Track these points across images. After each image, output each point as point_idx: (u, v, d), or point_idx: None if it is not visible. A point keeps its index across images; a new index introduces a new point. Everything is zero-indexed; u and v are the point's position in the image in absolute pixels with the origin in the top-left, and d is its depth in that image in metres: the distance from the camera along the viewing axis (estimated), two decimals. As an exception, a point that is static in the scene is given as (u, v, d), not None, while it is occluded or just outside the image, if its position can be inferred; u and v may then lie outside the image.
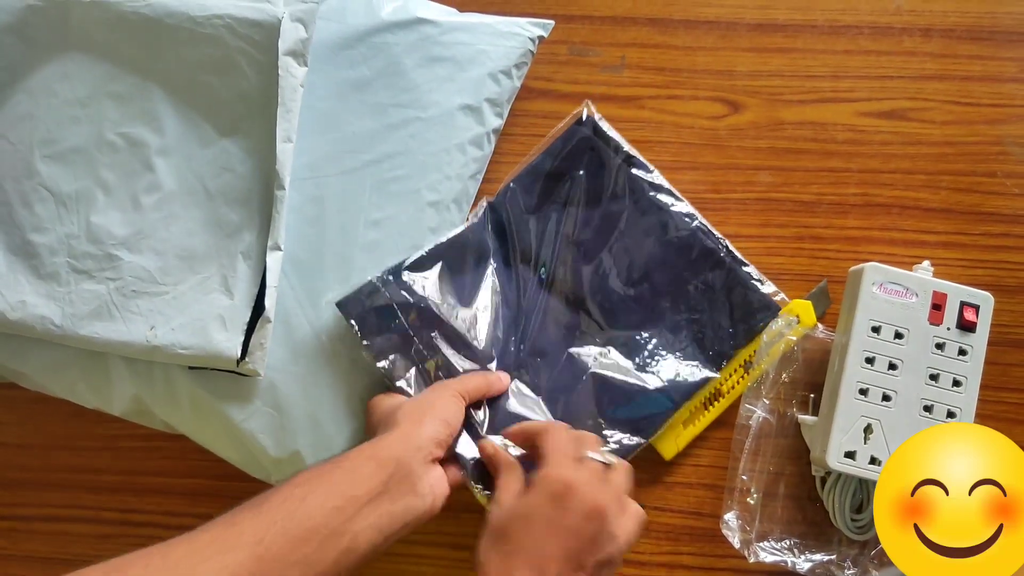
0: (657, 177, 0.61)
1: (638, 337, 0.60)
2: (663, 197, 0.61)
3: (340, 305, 0.56)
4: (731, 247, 0.61)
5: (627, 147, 0.61)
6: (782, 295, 0.60)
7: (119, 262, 0.54)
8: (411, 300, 0.56)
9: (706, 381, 0.59)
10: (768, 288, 0.60)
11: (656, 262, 0.60)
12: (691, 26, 0.65)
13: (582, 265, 0.61)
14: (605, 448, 0.54)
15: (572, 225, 0.61)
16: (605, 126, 0.62)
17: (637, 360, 0.59)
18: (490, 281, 0.60)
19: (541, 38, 0.62)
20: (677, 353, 0.59)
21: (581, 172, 0.61)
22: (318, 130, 0.57)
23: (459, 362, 0.57)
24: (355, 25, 0.59)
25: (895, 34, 0.64)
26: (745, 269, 0.60)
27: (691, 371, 0.59)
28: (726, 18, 0.65)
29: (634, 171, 0.61)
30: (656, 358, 0.59)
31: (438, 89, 0.59)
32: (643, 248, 0.61)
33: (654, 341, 0.60)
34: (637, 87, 0.65)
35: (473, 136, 0.60)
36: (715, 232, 0.61)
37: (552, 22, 0.63)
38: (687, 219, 0.60)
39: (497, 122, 0.61)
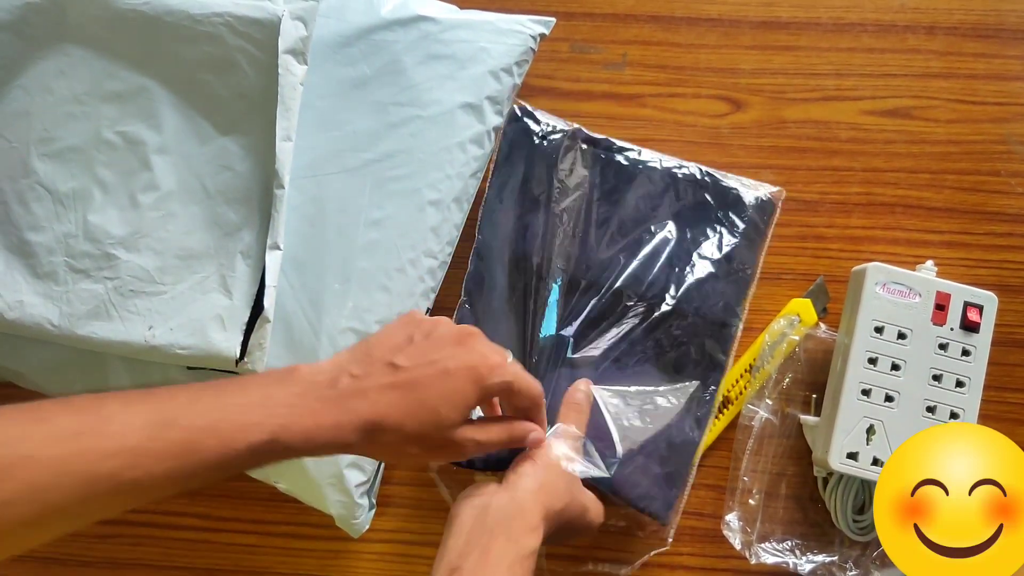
0: (610, 140, 0.61)
1: (671, 285, 0.59)
2: (627, 154, 0.61)
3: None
4: (707, 168, 0.61)
5: (569, 125, 0.62)
6: (771, 189, 0.60)
7: (117, 261, 0.54)
8: None
9: (745, 287, 0.59)
10: (761, 188, 0.60)
11: (646, 214, 0.60)
12: (694, 23, 0.65)
13: (584, 250, 0.60)
14: None
15: (556, 219, 0.60)
16: (540, 114, 0.62)
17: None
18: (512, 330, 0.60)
19: (542, 35, 0.62)
20: (702, 282, 0.59)
21: (539, 167, 0.61)
22: (318, 129, 0.57)
23: None
24: (355, 23, 0.58)
25: (899, 32, 0.64)
26: (729, 182, 0.60)
27: (719, 291, 0.59)
28: (729, 16, 0.65)
29: (586, 144, 0.61)
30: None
31: (438, 87, 0.59)
32: (629, 207, 0.60)
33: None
34: (639, 85, 0.64)
35: (474, 134, 0.59)
36: (685, 162, 0.61)
37: (553, 19, 0.62)
38: (655, 163, 0.61)
39: (498, 120, 0.61)
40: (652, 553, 0.58)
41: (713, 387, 0.58)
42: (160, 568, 0.61)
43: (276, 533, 0.61)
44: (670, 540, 0.57)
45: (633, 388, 0.58)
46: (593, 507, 0.52)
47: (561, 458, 0.50)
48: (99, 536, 0.62)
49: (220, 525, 0.62)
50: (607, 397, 0.57)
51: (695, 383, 0.58)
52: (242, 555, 0.61)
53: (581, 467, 0.51)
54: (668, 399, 0.58)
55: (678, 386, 0.58)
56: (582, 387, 0.56)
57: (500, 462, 0.57)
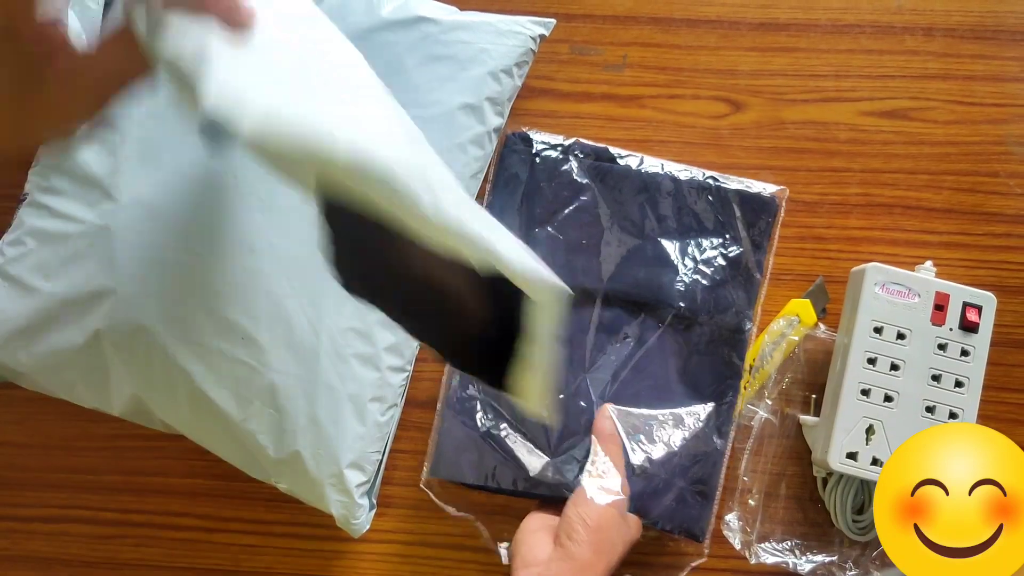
0: (609, 150, 0.61)
1: (682, 293, 0.59)
2: (627, 162, 0.61)
3: (436, 472, 0.58)
4: (709, 172, 0.61)
5: (565, 140, 0.62)
6: (774, 188, 0.61)
7: None
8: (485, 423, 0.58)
9: (755, 290, 0.59)
10: (764, 188, 0.60)
11: (652, 222, 0.60)
12: (693, 25, 0.65)
13: (590, 261, 0.60)
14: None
15: (559, 232, 0.60)
16: (536, 135, 0.62)
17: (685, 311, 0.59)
18: None
19: (542, 37, 0.62)
20: (712, 287, 0.59)
21: (538, 183, 0.61)
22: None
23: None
24: (355, 24, 0.58)
25: (897, 33, 0.64)
26: (732, 185, 0.60)
27: (731, 295, 0.59)
28: (728, 17, 0.65)
29: (585, 156, 0.61)
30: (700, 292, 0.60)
31: (439, 88, 0.59)
32: (634, 216, 0.60)
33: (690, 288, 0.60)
34: (639, 86, 0.64)
35: (474, 135, 0.60)
36: (687, 166, 0.61)
37: (553, 21, 0.63)
38: (657, 169, 0.61)
39: (498, 121, 0.61)
40: (691, 567, 0.58)
41: (732, 394, 0.58)
42: (161, 568, 0.62)
43: (277, 533, 0.61)
44: (707, 552, 0.58)
45: (656, 411, 0.58)
46: (637, 532, 0.54)
47: (602, 497, 0.51)
48: (101, 537, 0.62)
49: (221, 525, 0.62)
50: (626, 421, 0.57)
51: (711, 403, 0.58)
52: (243, 555, 0.61)
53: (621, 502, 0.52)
54: (688, 415, 0.58)
55: (696, 407, 0.58)
56: (607, 413, 0.56)
57: (500, 491, 0.58)
